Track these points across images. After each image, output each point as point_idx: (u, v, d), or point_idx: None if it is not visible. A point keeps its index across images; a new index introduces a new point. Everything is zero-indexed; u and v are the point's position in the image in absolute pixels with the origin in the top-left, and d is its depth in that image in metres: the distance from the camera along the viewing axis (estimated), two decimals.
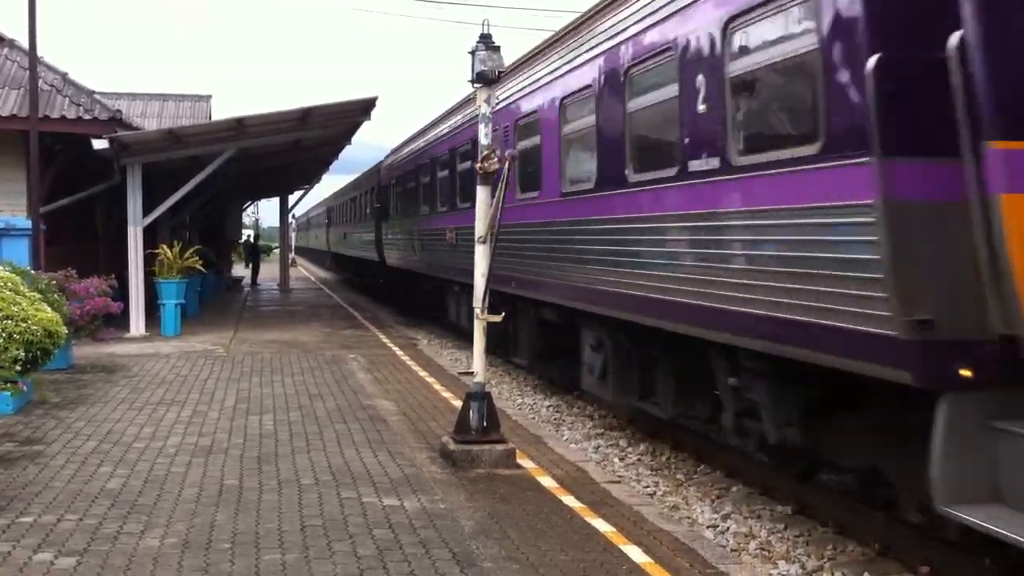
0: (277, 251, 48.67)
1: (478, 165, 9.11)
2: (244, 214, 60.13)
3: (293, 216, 62.80)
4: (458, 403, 10.46)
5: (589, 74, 11.01)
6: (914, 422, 6.03)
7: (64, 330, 11.16)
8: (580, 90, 11.40)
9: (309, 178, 36.83)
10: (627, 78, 9.98)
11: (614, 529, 6.99)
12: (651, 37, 9.35)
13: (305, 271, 64.10)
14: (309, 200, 62.27)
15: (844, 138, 6.19)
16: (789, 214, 6.89)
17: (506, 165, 9.01)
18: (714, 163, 8.01)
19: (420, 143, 23.62)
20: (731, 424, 8.83)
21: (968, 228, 5.51)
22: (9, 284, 10.96)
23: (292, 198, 39.70)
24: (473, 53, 9.22)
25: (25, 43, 18.24)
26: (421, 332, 23.37)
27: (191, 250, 21.17)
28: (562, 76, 12.05)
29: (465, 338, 17.88)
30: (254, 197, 50.78)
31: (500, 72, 9.28)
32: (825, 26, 6.41)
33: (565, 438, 11.59)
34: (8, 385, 10.23)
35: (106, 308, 14.12)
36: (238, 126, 20.04)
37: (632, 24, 9.80)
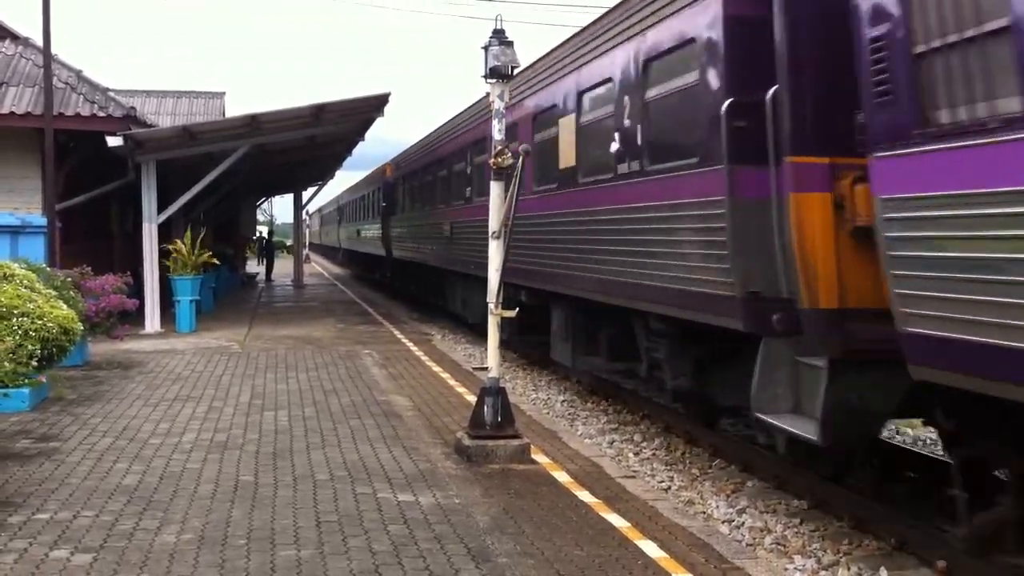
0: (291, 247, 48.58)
1: (491, 160, 9.10)
2: (258, 211, 60.17)
3: (307, 213, 62.87)
4: (472, 398, 10.47)
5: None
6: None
7: (80, 327, 11.19)
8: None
9: (322, 174, 36.86)
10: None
11: (629, 524, 6.98)
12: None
13: (319, 267, 64.19)
14: (336, 184, 56.63)
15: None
16: None
17: (520, 160, 8.99)
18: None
19: None
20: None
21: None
22: (25, 281, 11.00)
23: (306, 194, 39.80)
24: (486, 48, 9.20)
25: (40, 41, 18.33)
26: (435, 327, 23.37)
27: (203, 249, 21.14)
28: None
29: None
30: (268, 193, 50.90)
31: (514, 67, 9.26)
32: None
33: (580, 433, 11.58)
34: (26, 380, 10.28)
35: (122, 305, 14.16)
36: (252, 122, 20.08)
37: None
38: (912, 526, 7.43)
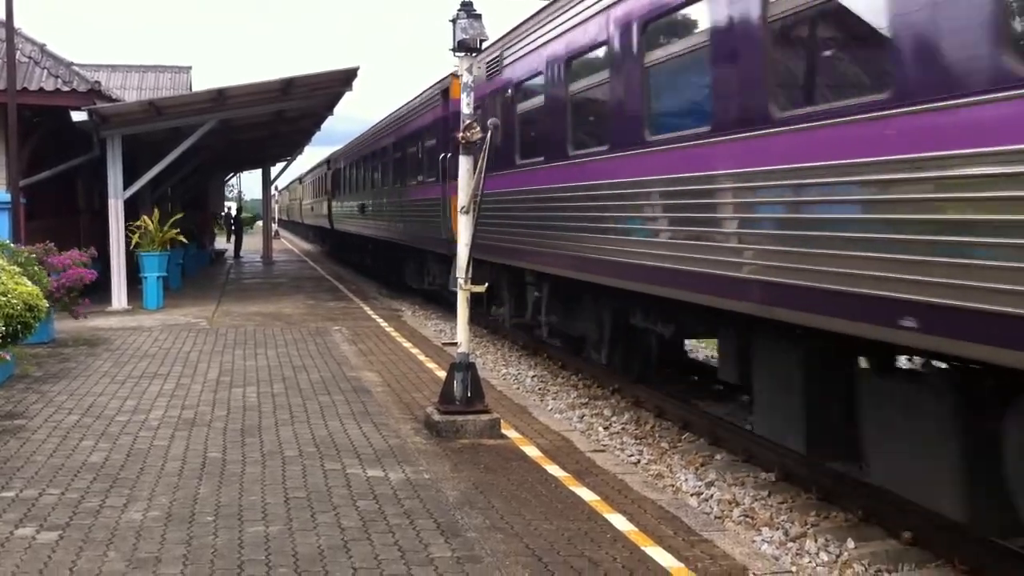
0: (261, 223, 48.23)
1: (460, 135, 9.05)
2: (226, 187, 59.78)
3: (276, 188, 62.60)
4: (442, 374, 10.45)
5: None
6: None
7: (45, 303, 11.05)
8: None
9: (291, 150, 36.66)
10: None
11: (598, 498, 6.99)
12: None
13: (288, 243, 63.86)
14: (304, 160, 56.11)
15: None
16: None
17: (488, 134, 8.95)
18: None
19: None
20: None
21: None
22: None
23: (274, 170, 39.53)
24: (454, 21, 9.12)
25: (2, 14, 18.02)
26: (405, 303, 23.32)
27: (171, 220, 20.94)
28: None
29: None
30: (236, 169, 50.54)
31: (482, 40, 9.19)
32: None
33: (550, 408, 11.60)
34: None
35: (80, 279, 13.97)
36: (219, 97, 19.87)
37: None
38: (879, 499, 7.48)
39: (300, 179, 59.78)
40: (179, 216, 21.43)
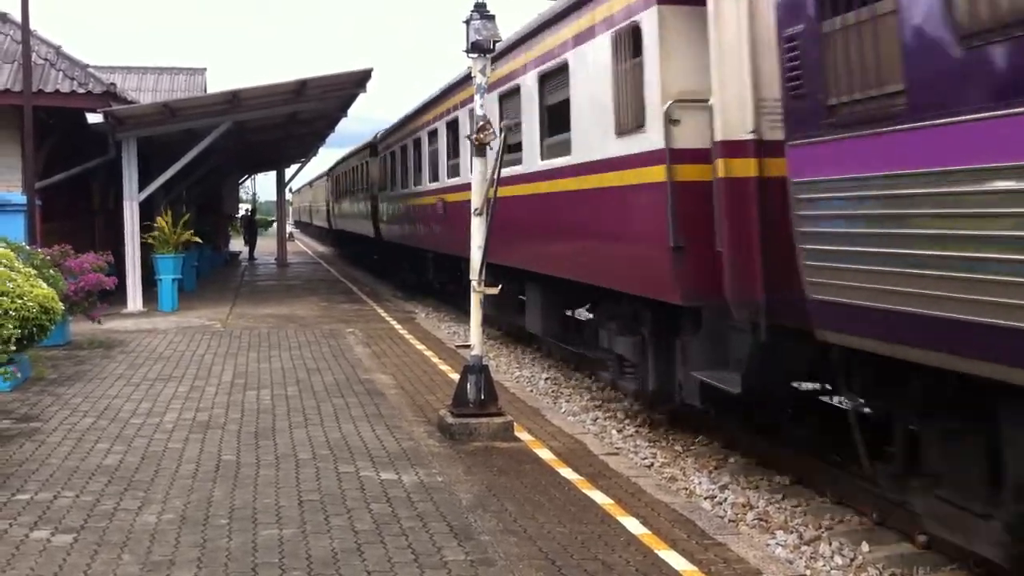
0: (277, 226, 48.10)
1: (473, 136, 9.04)
2: (241, 188, 59.87)
3: (291, 190, 62.59)
4: (456, 376, 10.44)
5: None
6: None
7: (60, 306, 11.08)
8: None
9: (305, 151, 36.72)
10: None
11: (612, 501, 6.98)
12: None
13: (303, 245, 63.95)
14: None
15: None
16: None
17: (501, 136, 8.95)
18: None
19: None
20: None
21: None
22: (3, 260, 10.87)
23: (288, 172, 39.61)
24: (468, 23, 9.12)
25: (18, 17, 18.09)
26: (419, 306, 23.34)
27: (182, 221, 20.96)
28: None
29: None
30: (250, 171, 50.61)
31: (495, 41, 9.18)
32: None
33: (563, 410, 11.58)
34: (7, 361, 10.21)
35: (100, 284, 14.03)
36: (233, 99, 19.93)
37: None
38: (893, 502, 7.45)
39: (355, 158, 36.48)
40: (187, 218, 21.43)
